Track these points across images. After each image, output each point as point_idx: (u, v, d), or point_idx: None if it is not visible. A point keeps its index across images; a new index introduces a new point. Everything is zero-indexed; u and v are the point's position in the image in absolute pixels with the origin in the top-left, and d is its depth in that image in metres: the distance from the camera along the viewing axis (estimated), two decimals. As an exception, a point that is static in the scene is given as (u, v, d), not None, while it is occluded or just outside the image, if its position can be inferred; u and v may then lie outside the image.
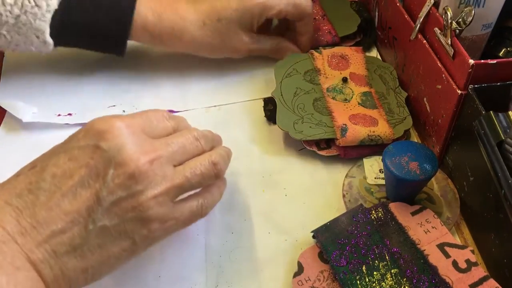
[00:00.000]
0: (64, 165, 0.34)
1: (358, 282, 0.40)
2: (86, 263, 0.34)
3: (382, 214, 0.44)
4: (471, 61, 0.43)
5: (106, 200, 0.34)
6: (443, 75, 0.47)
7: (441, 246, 0.42)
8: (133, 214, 0.34)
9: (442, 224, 0.43)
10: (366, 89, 0.58)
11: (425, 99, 0.52)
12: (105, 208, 0.34)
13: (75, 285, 0.34)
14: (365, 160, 0.51)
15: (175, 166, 0.37)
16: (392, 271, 0.41)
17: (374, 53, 0.66)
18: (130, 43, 0.68)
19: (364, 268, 0.41)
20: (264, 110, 0.58)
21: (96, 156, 0.34)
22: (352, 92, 0.57)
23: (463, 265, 0.41)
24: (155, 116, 0.39)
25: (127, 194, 0.34)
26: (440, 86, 0.48)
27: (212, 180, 0.40)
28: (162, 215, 0.36)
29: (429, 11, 0.49)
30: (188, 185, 0.38)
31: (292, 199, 0.50)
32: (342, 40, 0.66)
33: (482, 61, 0.43)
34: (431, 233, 0.43)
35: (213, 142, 0.43)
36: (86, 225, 0.33)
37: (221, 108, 0.60)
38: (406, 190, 0.45)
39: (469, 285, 0.40)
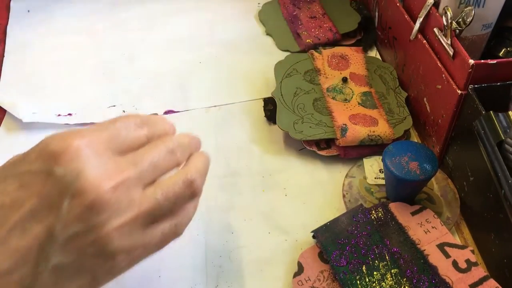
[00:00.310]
0: (13, 193, 0.29)
1: (358, 282, 0.40)
2: None
3: (382, 214, 0.44)
4: (471, 61, 0.43)
5: (60, 235, 0.28)
6: (443, 75, 0.47)
7: (441, 246, 0.42)
8: (93, 249, 0.29)
9: (442, 224, 0.43)
10: (366, 89, 0.58)
11: (425, 99, 0.52)
12: (60, 244, 0.29)
13: None
14: (365, 160, 0.51)
15: (145, 186, 0.32)
16: (392, 271, 0.41)
17: (374, 53, 0.66)
18: (130, 43, 0.69)
19: (364, 268, 0.41)
20: (264, 110, 0.58)
21: (49, 183, 0.29)
22: (352, 92, 0.57)
23: (463, 265, 0.41)
24: (124, 125, 0.33)
25: (85, 227, 0.29)
26: (440, 86, 0.48)
27: (187, 201, 0.34)
28: (128, 246, 0.31)
29: (429, 11, 0.49)
30: (159, 210, 0.32)
31: (292, 199, 0.50)
32: (343, 38, 0.67)
33: (482, 61, 0.43)
34: (431, 233, 0.43)
35: (190, 149, 0.36)
36: (38, 263, 0.28)
37: (221, 108, 0.60)
38: (406, 190, 0.45)
39: (469, 285, 0.40)
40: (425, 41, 0.51)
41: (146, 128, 0.34)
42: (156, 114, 0.59)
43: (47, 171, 0.29)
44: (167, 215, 0.33)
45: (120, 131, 0.32)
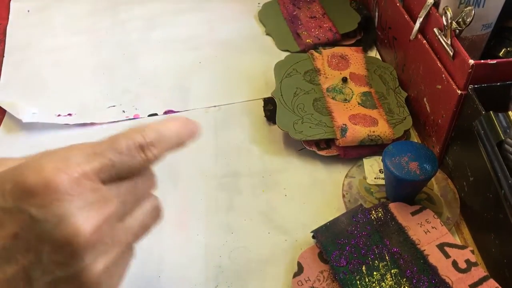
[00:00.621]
0: None
1: (358, 282, 0.40)
2: None
3: (382, 214, 0.44)
4: (471, 61, 0.43)
5: (41, 280, 0.26)
6: (443, 75, 0.47)
7: (441, 246, 0.42)
8: None
9: (442, 224, 0.43)
10: (366, 89, 0.58)
11: (425, 99, 0.52)
12: None
13: None
14: (365, 160, 0.51)
15: (124, 217, 0.29)
16: (392, 271, 0.41)
17: (374, 53, 0.66)
18: (130, 43, 0.69)
19: (364, 268, 0.41)
20: (264, 110, 0.58)
21: (26, 226, 0.25)
22: (352, 92, 0.57)
23: (463, 265, 0.41)
24: (124, 152, 0.29)
25: (68, 273, 0.26)
26: (440, 86, 0.48)
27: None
28: (114, 279, 0.28)
29: (429, 11, 0.49)
30: (136, 242, 0.30)
31: (292, 199, 0.50)
32: (343, 38, 0.67)
33: (482, 61, 0.43)
34: (431, 233, 0.43)
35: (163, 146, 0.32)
36: None
37: (221, 108, 0.60)
38: (406, 190, 0.45)
39: (469, 285, 0.40)
40: (425, 41, 0.51)
41: (149, 152, 0.30)
42: (156, 114, 0.59)
43: (23, 211, 0.25)
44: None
45: (118, 158, 0.28)
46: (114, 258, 0.28)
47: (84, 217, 0.25)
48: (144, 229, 0.31)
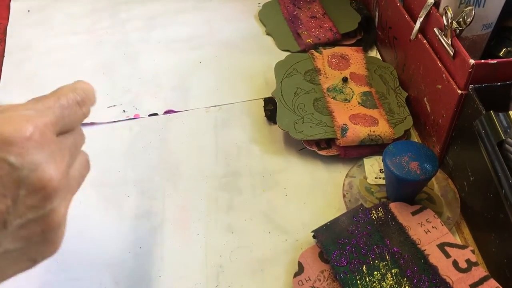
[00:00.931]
0: None
1: (358, 282, 0.40)
2: None
3: (382, 214, 0.44)
4: (472, 61, 0.43)
5: (14, 223, 0.28)
6: (444, 75, 0.47)
7: (442, 246, 0.42)
8: (41, 237, 0.30)
9: (443, 224, 0.43)
10: (366, 89, 0.58)
11: (425, 99, 0.52)
12: (10, 232, 0.28)
13: None
14: (365, 160, 0.51)
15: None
16: (393, 271, 0.40)
17: (374, 53, 0.66)
18: (130, 43, 0.69)
19: (364, 268, 0.41)
20: (264, 110, 0.58)
21: (4, 173, 0.27)
22: (352, 92, 0.57)
23: (463, 265, 0.41)
24: (67, 104, 0.33)
25: (38, 215, 0.29)
26: (440, 86, 0.48)
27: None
28: (66, 218, 0.32)
29: (429, 11, 0.49)
30: (76, 192, 0.34)
31: (292, 199, 0.50)
32: (343, 38, 0.67)
33: (483, 61, 0.43)
34: (432, 233, 0.43)
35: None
36: None
37: (221, 108, 0.60)
38: (407, 190, 0.45)
39: (469, 285, 0.40)
40: (425, 41, 0.51)
41: (84, 107, 0.34)
42: (156, 114, 0.59)
43: (2, 159, 0.27)
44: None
45: (64, 113, 0.32)
46: (69, 204, 0.32)
47: (54, 164, 0.29)
48: (82, 179, 0.35)
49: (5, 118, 0.28)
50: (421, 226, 0.43)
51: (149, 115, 0.59)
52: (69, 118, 0.32)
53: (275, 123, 0.55)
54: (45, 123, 0.29)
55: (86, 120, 0.56)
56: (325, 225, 0.44)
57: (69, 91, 0.34)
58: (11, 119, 0.28)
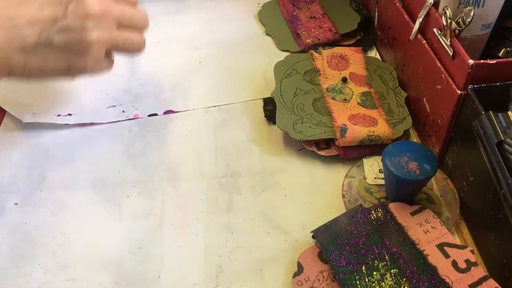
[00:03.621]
0: None
1: (357, 282, 0.40)
2: (28, 62, 0.42)
3: (381, 214, 0.44)
4: (471, 61, 0.43)
5: (61, 23, 0.41)
6: (443, 75, 0.47)
7: (441, 246, 0.42)
8: (77, 46, 0.42)
9: (442, 224, 0.43)
10: (365, 89, 0.58)
11: (424, 99, 0.52)
12: (57, 28, 0.41)
13: (12, 74, 0.43)
14: (364, 160, 0.51)
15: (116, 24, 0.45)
16: (392, 271, 0.41)
17: (373, 53, 0.66)
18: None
19: (363, 268, 0.41)
20: (264, 110, 0.58)
21: None
22: (352, 92, 0.57)
23: (462, 265, 0.41)
24: None
25: (78, 26, 0.42)
26: (439, 86, 0.48)
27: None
28: (98, 51, 0.44)
29: (428, 11, 0.50)
30: (118, 48, 0.48)
31: (292, 199, 0.50)
32: (343, 38, 0.67)
33: (482, 61, 0.43)
34: (431, 233, 0.43)
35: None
36: (41, 33, 0.41)
37: (221, 108, 0.60)
38: (406, 190, 0.45)
39: (468, 285, 0.40)
40: (424, 41, 0.51)
41: None
42: (156, 114, 0.59)
43: None
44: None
45: None
46: (104, 41, 0.44)
47: (98, 1, 0.43)
48: (128, 43, 0.48)
49: None
50: (420, 226, 0.43)
51: (149, 115, 0.59)
52: None
53: (274, 123, 0.55)
54: None
55: (86, 121, 0.57)
56: (325, 225, 0.44)
57: None
58: None
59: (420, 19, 0.51)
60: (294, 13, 0.71)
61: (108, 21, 0.44)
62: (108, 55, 0.48)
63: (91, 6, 0.42)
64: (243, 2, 0.75)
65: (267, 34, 0.70)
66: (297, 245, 0.46)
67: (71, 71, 0.44)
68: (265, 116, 0.58)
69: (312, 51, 0.62)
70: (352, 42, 0.67)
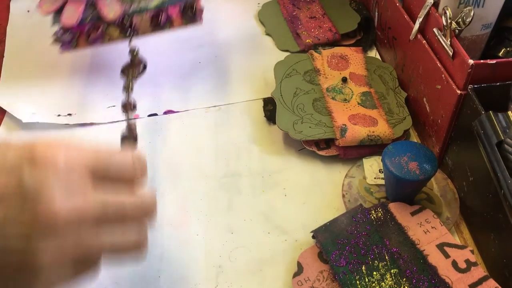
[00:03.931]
0: None
1: (357, 282, 0.40)
2: None
3: (381, 214, 0.44)
4: (471, 61, 0.43)
5: (7, 228, 0.26)
6: (443, 75, 0.47)
7: (441, 246, 0.42)
8: (15, 273, 0.27)
9: (442, 224, 0.44)
10: (365, 89, 0.58)
11: (424, 99, 0.52)
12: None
13: None
14: (364, 160, 0.51)
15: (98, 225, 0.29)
16: (392, 271, 0.41)
17: (373, 53, 0.66)
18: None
19: (363, 268, 0.41)
20: (264, 110, 0.58)
21: (13, 180, 0.27)
22: (352, 92, 0.57)
23: (462, 265, 0.41)
24: (121, 157, 0.31)
25: (20, 243, 0.27)
26: (439, 86, 0.48)
27: None
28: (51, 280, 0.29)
29: (428, 11, 0.50)
30: (99, 259, 0.30)
31: (292, 199, 0.50)
32: (343, 38, 0.67)
33: (482, 61, 0.43)
34: (431, 233, 0.43)
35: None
36: None
37: (221, 108, 0.60)
38: (406, 190, 0.45)
39: (468, 285, 0.40)
40: (424, 41, 0.51)
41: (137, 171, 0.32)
42: (156, 114, 0.59)
43: (19, 167, 0.27)
44: None
45: (109, 157, 0.30)
46: (65, 255, 0.28)
47: (60, 194, 0.27)
48: (115, 250, 0.30)
49: (44, 139, 0.28)
50: (420, 226, 0.43)
51: (149, 116, 0.59)
52: (110, 164, 0.30)
53: (274, 123, 0.55)
54: (80, 154, 0.29)
55: (86, 121, 0.57)
56: (325, 225, 0.44)
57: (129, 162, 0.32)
58: (49, 141, 0.28)
59: (420, 19, 0.51)
60: (294, 13, 0.71)
61: (78, 227, 0.27)
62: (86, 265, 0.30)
63: (50, 208, 0.26)
64: (243, 2, 0.75)
65: (267, 34, 0.70)
66: (297, 245, 0.46)
67: None
68: (265, 116, 0.58)
69: (312, 51, 0.62)
70: (352, 42, 0.67)
